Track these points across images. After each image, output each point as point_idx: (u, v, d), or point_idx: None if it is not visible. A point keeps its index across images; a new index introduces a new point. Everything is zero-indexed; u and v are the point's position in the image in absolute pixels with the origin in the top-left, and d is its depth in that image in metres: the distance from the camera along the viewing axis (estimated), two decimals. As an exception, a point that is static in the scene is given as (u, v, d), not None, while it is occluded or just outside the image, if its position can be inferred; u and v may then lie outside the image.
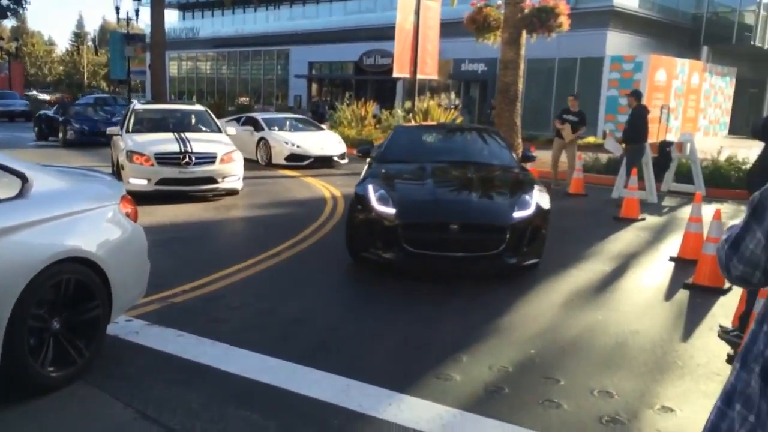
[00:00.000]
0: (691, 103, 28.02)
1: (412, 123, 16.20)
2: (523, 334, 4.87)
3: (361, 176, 7.25)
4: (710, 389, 3.99)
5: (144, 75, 36.07)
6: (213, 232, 8.63)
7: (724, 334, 4.86)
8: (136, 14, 33.00)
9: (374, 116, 19.66)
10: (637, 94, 11.43)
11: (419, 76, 17.70)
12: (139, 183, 10.14)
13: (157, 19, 24.84)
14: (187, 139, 10.77)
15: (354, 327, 5.03)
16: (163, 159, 10.30)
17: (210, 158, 10.50)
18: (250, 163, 14.92)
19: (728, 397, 1.53)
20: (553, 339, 4.81)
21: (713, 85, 30.17)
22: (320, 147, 15.56)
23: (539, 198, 6.54)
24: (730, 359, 4.43)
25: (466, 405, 3.70)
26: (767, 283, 1.49)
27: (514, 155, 8.26)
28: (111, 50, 33.76)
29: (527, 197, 6.44)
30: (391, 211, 6.17)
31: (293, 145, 15.36)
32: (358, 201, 6.51)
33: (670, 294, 6.08)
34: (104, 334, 4.11)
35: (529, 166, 8.66)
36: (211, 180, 10.49)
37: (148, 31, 28.92)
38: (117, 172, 10.72)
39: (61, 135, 19.82)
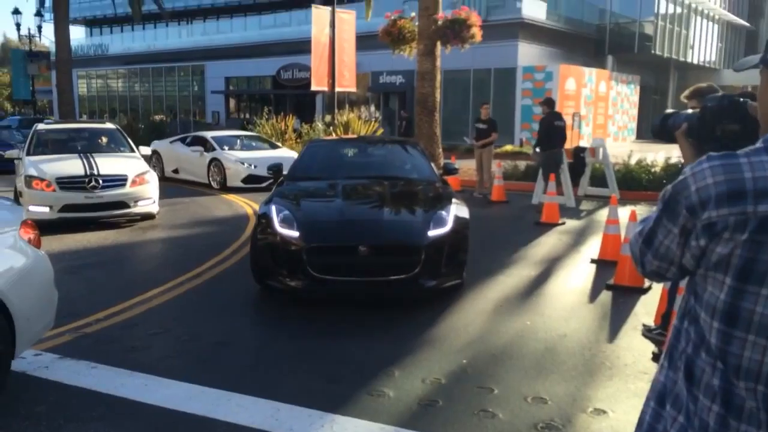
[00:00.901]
0: (600, 110, 29.21)
1: (332, 136, 16.02)
2: (453, 344, 4.83)
3: (268, 196, 6.65)
4: (639, 388, 4.05)
5: (50, 94, 34.48)
6: (128, 255, 8.23)
7: (647, 332, 4.98)
8: (39, 30, 31.66)
9: (294, 130, 19.45)
10: (549, 102, 11.64)
11: (338, 89, 17.63)
12: (39, 211, 9.12)
13: (61, 35, 23.77)
14: (94, 160, 9.92)
15: (280, 348, 4.85)
16: (65, 183, 9.43)
17: (120, 181, 9.71)
18: (201, 187, 14.40)
19: (660, 397, 1.50)
20: (484, 347, 4.79)
21: (619, 93, 31.56)
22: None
23: (458, 214, 6.10)
24: (655, 357, 4.52)
25: (401, 421, 3.60)
26: (682, 277, 1.47)
27: (435, 168, 7.85)
28: (13, 69, 32.11)
29: (444, 213, 5.96)
30: (294, 233, 5.65)
31: (250, 165, 14.01)
32: (261, 223, 5.99)
33: (593, 295, 6.20)
34: (8, 372, 3.78)
35: (451, 177, 8.66)
36: (123, 204, 9.71)
37: (53, 48, 27.68)
38: (16, 200, 9.62)
39: None
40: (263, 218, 5.99)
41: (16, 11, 29.39)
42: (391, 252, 5.68)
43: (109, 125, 12.35)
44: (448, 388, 4.04)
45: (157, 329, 5.18)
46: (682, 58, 36.37)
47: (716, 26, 40.95)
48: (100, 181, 9.53)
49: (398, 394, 3.95)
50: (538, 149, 11.71)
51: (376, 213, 6.16)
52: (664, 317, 4.92)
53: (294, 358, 4.58)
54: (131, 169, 9.99)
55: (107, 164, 9.97)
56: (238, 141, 15.73)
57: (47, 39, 35.82)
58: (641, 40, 32.80)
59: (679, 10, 35.21)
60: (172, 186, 14.49)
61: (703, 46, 39.09)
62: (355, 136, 15.75)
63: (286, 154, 15.03)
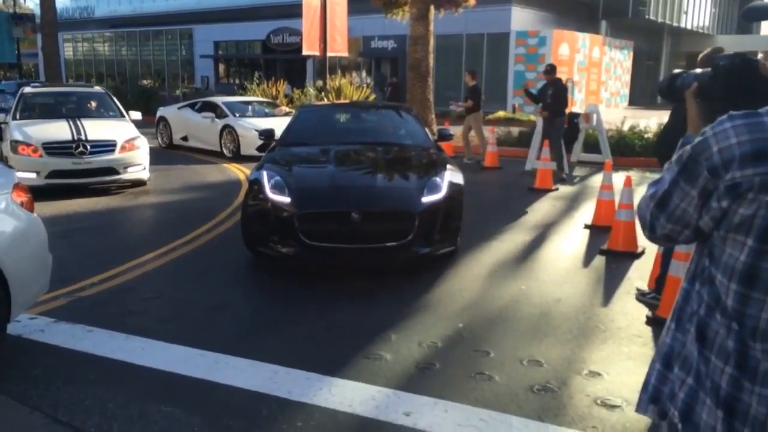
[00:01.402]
0: (593, 76, 29.07)
1: (324, 101, 15.84)
2: (449, 309, 4.85)
3: (259, 162, 6.53)
4: (633, 351, 4.09)
5: (36, 58, 33.86)
6: (120, 220, 8.18)
7: (641, 296, 5.02)
8: (24, -8, 30.90)
9: (285, 96, 19.25)
10: (552, 68, 11.40)
11: (329, 54, 17.41)
12: (26, 177, 8.56)
13: (46, -3, 23.30)
14: (82, 125, 9.62)
15: (276, 312, 4.86)
16: (52, 149, 9.18)
17: (108, 146, 9.42)
18: (212, 155, 13.87)
19: (667, 359, 1.49)
20: (480, 312, 4.81)
21: (613, 59, 31.39)
22: None
23: (452, 180, 5.99)
24: (649, 321, 4.56)
25: (399, 384, 3.63)
26: (694, 240, 1.45)
27: (429, 134, 7.77)
28: (-3, 32, 31.47)
29: (438, 180, 5.85)
30: (285, 199, 5.54)
31: None
32: (252, 189, 5.89)
33: (587, 261, 6.22)
34: (4, 335, 3.77)
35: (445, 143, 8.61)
36: (112, 171, 9.43)
37: (37, 10, 27.12)
38: None
39: None
40: (254, 184, 5.89)
41: (0, -28, 28.74)
42: (385, 218, 5.60)
43: (98, 89, 11.98)
44: (445, 352, 4.07)
45: (152, 294, 5.17)
46: (675, 24, 36.17)
47: (710, -9, 40.63)
48: (88, 147, 9.26)
49: (395, 357, 3.97)
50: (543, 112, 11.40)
51: (368, 179, 6.01)
52: (657, 281, 4.95)
53: (289, 323, 4.59)
54: (120, 135, 9.70)
55: (96, 129, 9.68)
56: (250, 107, 15.04)
57: (32, 1, 35.09)
58: (635, 4, 32.50)
59: (673, -26, 34.87)
60: (180, 155, 14.20)
61: (696, 11, 38.85)
62: (347, 101, 15.56)
63: None
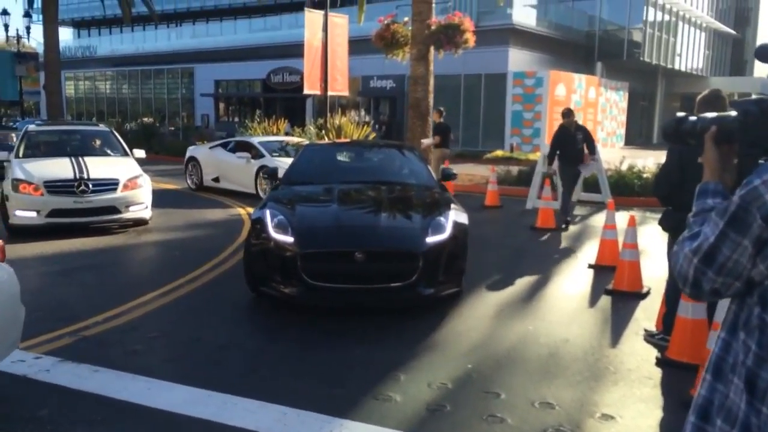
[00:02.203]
0: (590, 116, 29.37)
1: (325, 140, 15.91)
2: (457, 349, 4.81)
3: (262, 201, 6.56)
4: (645, 393, 4.06)
5: (38, 96, 34.14)
6: (124, 258, 8.16)
7: (650, 337, 5.00)
8: (27, 32, 31.33)
9: (286, 134, 19.39)
10: (565, 114, 10.34)
11: (330, 93, 17.60)
12: (26, 216, 8.89)
13: (50, 36, 23.58)
14: (84, 163, 9.49)
15: (283, 350, 4.82)
16: (54, 187, 9.02)
17: (111, 185, 9.29)
18: (246, 198, 13.01)
19: (704, 412, 1.47)
20: (488, 352, 4.78)
21: (608, 99, 31.79)
22: None
23: (457, 220, 5.95)
24: (659, 362, 4.53)
25: (410, 426, 3.58)
26: (744, 292, 1.43)
27: (433, 173, 7.75)
28: (0, 70, 31.80)
29: (442, 219, 5.81)
30: (288, 239, 5.49)
31: None
32: (255, 229, 5.85)
33: (593, 301, 6.21)
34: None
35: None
36: (113, 209, 9.27)
37: (40, 49, 27.46)
38: (1, 205, 9.34)
39: None
40: (257, 223, 5.84)
41: (5, 12, 29.17)
42: (388, 258, 5.56)
43: (102, 127, 11.93)
44: (455, 393, 4.03)
45: (157, 332, 5.13)
46: (669, 65, 36.76)
47: (703, 34, 41.41)
48: (90, 185, 9.13)
49: (405, 398, 3.93)
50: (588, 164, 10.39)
51: (372, 218, 5.92)
52: (664, 321, 4.94)
53: (297, 363, 4.55)
54: (123, 173, 9.59)
55: (98, 167, 9.56)
56: (285, 147, 14.39)
57: (35, 40, 35.55)
58: (630, 47, 33.10)
59: (666, 17, 35.58)
60: (210, 196, 13.57)
61: (690, 54, 39.51)
62: (349, 140, 15.59)
63: None
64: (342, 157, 8.30)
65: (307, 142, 15.62)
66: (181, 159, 22.33)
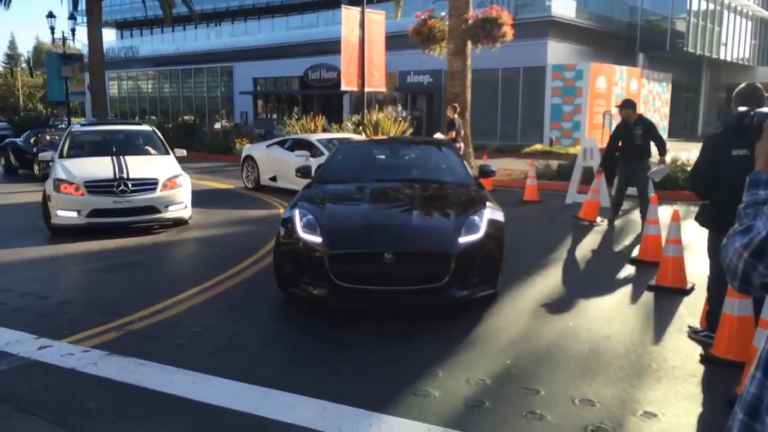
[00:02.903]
0: (631, 109, 28.79)
1: (362, 136, 15.89)
2: (496, 345, 4.80)
3: (293, 199, 6.42)
4: (689, 391, 3.99)
5: (83, 96, 34.99)
6: (167, 254, 8.33)
7: (694, 334, 4.91)
8: (72, 34, 32.07)
9: (324, 130, 19.52)
10: (625, 104, 9.23)
11: (367, 89, 17.66)
12: (67, 216, 8.92)
13: (94, 38, 24.18)
14: (125, 163, 9.50)
15: (321, 346, 4.86)
16: (94, 187, 9.00)
17: (150, 184, 9.25)
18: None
19: (753, 410, 1.44)
20: (527, 348, 4.75)
21: (651, 91, 31.14)
22: None
23: (492, 219, 5.74)
24: (703, 360, 4.45)
25: (449, 421, 3.59)
26: None
27: (470, 169, 7.50)
28: (47, 71, 32.62)
29: (476, 218, 5.62)
30: (317, 239, 5.37)
31: None
32: (285, 228, 5.73)
33: (635, 297, 6.12)
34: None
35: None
36: (153, 209, 9.23)
37: (85, 50, 28.14)
38: (45, 205, 9.26)
39: (36, 168, 16.73)
40: (287, 223, 5.75)
41: (51, 15, 29.94)
42: (419, 260, 5.38)
43: (145, 127, 11.87)
44: (494, 389, 4.02)
45: (201, 327, 5.23)
46: (714, 56, 35.82)
47: (749, 23, 40.22)
48: (130, 185, 9.10)
49: (443, 394, 3.94)
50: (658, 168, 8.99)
51: (404, 218, 5.76)
52: (708, 319, 4.85)
53: (335, 358, 4.58)
54: (163, 173, 9.55)
55: (138, 167, 9.53)
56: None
57: (80, 42, 36.43)
58: (673, 37, 32.35)
59: (711, 6, 34.66)
60: (264, 197, 13.14)
61: (735, 43, 38.43)
62: (385, 137, 15.45)
63: None
64: (376, 155, 8.13)
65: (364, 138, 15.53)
66: (221, 157, 22.80)
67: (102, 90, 24.88)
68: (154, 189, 9.28)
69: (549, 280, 6.65)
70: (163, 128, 24.92)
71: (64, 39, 31.66)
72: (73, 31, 31.43)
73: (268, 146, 14.66)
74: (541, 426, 3.53)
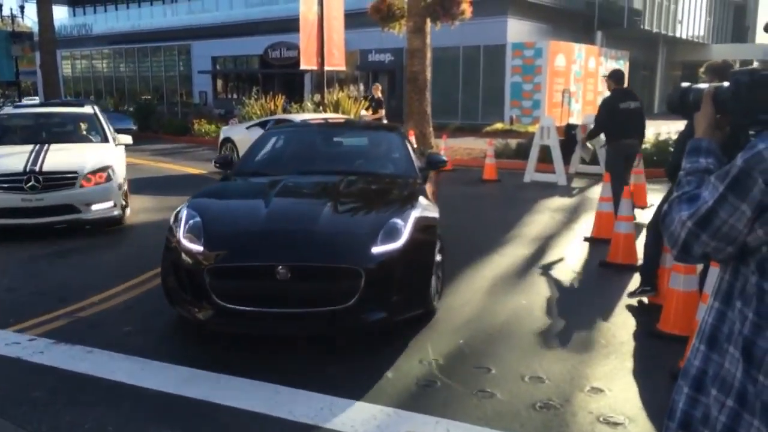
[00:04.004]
0: (590, 87, 29.17)
1: (299, 117, 15.21)
2: (449, 324, 4.83)
3: (192, 196, 5.50)
4: (635, 367, 4.08)
5: (35, 76, 34.01)
6: (118, 238, 8.15)
7: (631, 295, 5.26)
8: (21, 11, 31.21)
9: (284, 110, 19.29)
10: (614, 75, 8.24)
11: (327, 68, 17.48)
12: None
13: (45, 15, 23.45)
14: (45, 153, 8.15)
15: (278, 329, 4.83)
16: (1, 183, 7.65)
17: (67, 179, 7.81)
18: None
19: (697, 383, 1.47)
20: (480, 327, 4.80)
21: (609, 69, 31.46)
22: None
23: (420, 220, 4.78)
24: (650, 335, 4.55)
25: (400, 402, 3.61)
26: (735, 257, 1.42)
27: (416, 161, 6.38)
28: (-5, 50, 31.61)
29: (398, 222, 4.61)
30: (197, 247, 4.46)
31: None
32: (169, 231, 4.85)
33: (587, 274, 6.22)
34: None
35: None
36: (70, 209, 7.81)
37: (36, 28, 27.27)
38: None
39: None
40: (171, 225, 4.89)
41: (-2, -9, 28.95)
42: (322, 275, 4.39)
43: (86, 109, 10.26)
44: (446, 369, 4.05)
45: (151, 313, 5.15)
46: (670, 33, 36.38)
47: (704, 1, 40.87)
48: (41, 180, 7.66)
49: (396, 375, 3.96)
50: (588, 144, 9.15)
51: (308, 223, 4.67)
52: (642, 272, 5.26)
53: (287, 341, 4.56)
54: (87, 164, 8.06)
55: (58, 158, 8.09)
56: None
57: (30, 19, 35.22)
58: (630, 15, 32.72)
59: (668, -16, 35.11)
60: None
61: (691, 21, 39.07)
62: (322, 120, 14.70)
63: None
64: (309, 142, 7.01)
65: (349, 117, 15.14)
66: (180, 138, 22.42)
67: (54, 70, 24.20)
68: (73, 184, 7.85)
69: (504, 259, 6.71)
70: (119, 109, 24.39)
71: (13, 17, 30.64)
72: (22, 8, 30.64)
73: (248, 128, 13.78)
74: (491, 404, 3.57)
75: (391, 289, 4.43)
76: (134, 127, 21.86)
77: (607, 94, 8.34)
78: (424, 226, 4.82)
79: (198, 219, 4.71)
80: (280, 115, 14.60)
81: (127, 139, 9.84)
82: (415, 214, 4.79)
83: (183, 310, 4.55)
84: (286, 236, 4.56)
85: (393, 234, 4.53)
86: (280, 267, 4.20)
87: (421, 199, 5.16)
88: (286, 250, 4.39)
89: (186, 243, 4.55)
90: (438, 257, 4.96)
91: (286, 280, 4.21)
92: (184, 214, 4.84)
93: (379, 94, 14.93)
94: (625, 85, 8.40)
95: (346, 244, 4.48)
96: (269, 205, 4.90)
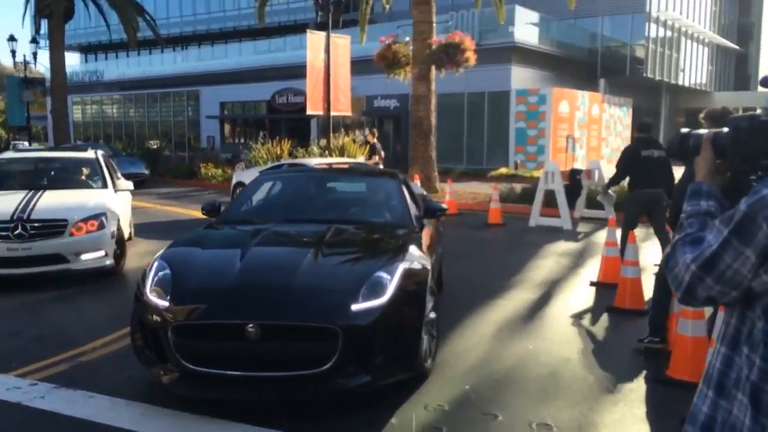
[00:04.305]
0: (594, 133, 29.39)
1: (373, 161, 15.20)
2: (455, 370, 4.77)
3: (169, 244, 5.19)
4: (644, 413, 4.01)
5: (45, 120, 34.52)
6: (120, 283, 8.11)
7: (639, 342, 5.16)
8: (35, 57, 31.61)
9: (290, 155, 19.46)
10: (640, 126, 8.35)
11: (333, 113, 17.70)
12: None
13: (57, 62, 23.94)
14: (38, 199, 7.80)
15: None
16: None
17: (56, 227, 7.46)
18: None
19: (707, 429, 1.44)
20: (487, 372, 4.73)
21: (612, 115, 31.79)
22: None
23: (409, 273, 4.38)
24: (657, 381, 4.48)
25: (405, 450, 3.53)
26: (740, 301, 1.41)
27: (414, 208, 5.90)
28: (8, 95, 32.17)
29: (383, 276, 4.21)
30: (163, 303, 4.13)
31: None
32: (138, 285, 4.55)
33: (594, 319, 6.16)
34: None
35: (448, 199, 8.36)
36: (58, 258, 7.44)
37: (48, 74, 27.79)
38: None
39: None
40: (142, 278, 4.57)
41: (12, 38, 29.50)
42: (293, 335, 4.01)
43: (87, 154, 9.85)
44: (452, 415, 3.98)
45: (155, 357, 5.09)
46: (673, 81, 36.78)
47: (706, 49, 41.45)
48: (28, 228, 7.31)
49: (401, 421, 3.89)
50: (611, 190, 8.96)
51: (285, 276, 4.27)
52: (651, 323, 5.14)
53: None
54: (79, 212, 7.69)
55: (48, 205, 7.73)
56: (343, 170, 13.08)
57: (42, 65, 35.90)
58: (632, 63, 33.18)
59: (669, 33, 35.67)
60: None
61: (693, 69, 39.54)
62: (320, 166, 13.99)
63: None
64: (300, 189, 6.63)
65: (361, 162, 15.00)
66: (187, 182, 22.57)
67: (64, 114, 24.59)
68: (62, 233, 7.47)
69: (511, 303, 6.66)
70: (128, 153, 24.63)
71: (26, 63, 31.19)
72: (35, 54, 30.99)
73: (261, 172, 13.74)
74: (498, 452, 3.50)
75: (375, 350, 4.03)
76: (146, 172, 21.97)
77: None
78: (412, 279, 4.43)
79: (168, 272, 4.39)
80: (295, 159, 14.18)
81: (128, 185, 9.54)
82: (404, 266, 4.40)
83: (149, 370, 4.22)
84: (258, 291, 4.16)
85: (377, 289, 4.13)
86: (250, 325, 3.85)
87: (413, 250, 4.78)
88: (257, 306, 4.02)
89: (152, 298, 4.22)
90: (432, 315, 4.55)
91: (257, 340, 3.86)
92: (154, 265, 4.53)
93: (374, 140, 14.93)
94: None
95: (323, 301, 4.08)
96: (245, 257, 4.51)
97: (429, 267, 4.76)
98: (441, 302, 5.93)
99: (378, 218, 5.79)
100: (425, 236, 5.43)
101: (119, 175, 10.04)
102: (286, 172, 8.22)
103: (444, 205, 6.36)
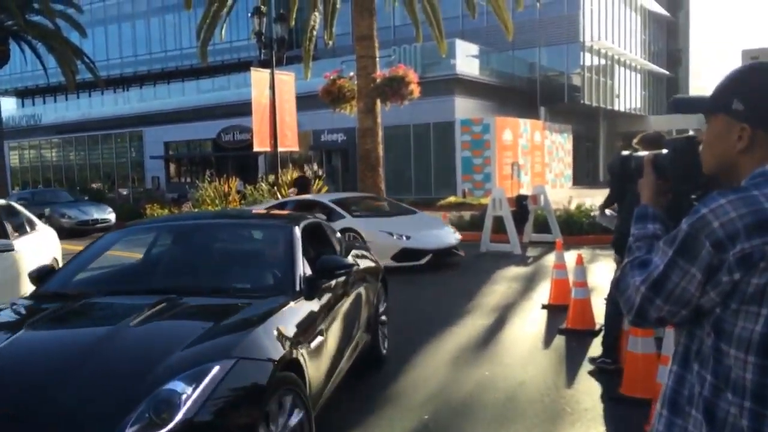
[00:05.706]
0: (537, 159, 30.14)
1: (277, 197, 15.50)
2: (413, 400, 4.75)
3: None
4: (601, 432, 4.05)
5: (-20, 167, 33.39)
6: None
7: (591, 362, 5.29)
8: (-31, 103, 30.75)
9: (238, 192, 19.27)
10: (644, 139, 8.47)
11: (280, 149, 17.65)
12: None
13: (-8, 107, 23.27)
14: None
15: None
16: None
17: None
18: None
19: None
20: (445, 401, 4.72)
21: (554, 142, 32.70)
22: (435, 235, 10.98)
23: (237, 377, 2.84)
24: (612, 399, 4.55)
25: (366, 484, 3.49)
26: (690, 320, 1.44)
27: (302, 267, 4.14)
28: (-60, 142, 31.06)
29: (178, 387, 2.68)
30: None
31: (401, 236, 10.40)
32: None
33: (547, 341, 6.23)
34: None
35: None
36: None
37: (-18, 120, 26.98)
38: None
39: None
40: None
41: (-56, 84, 28.68)
42: None
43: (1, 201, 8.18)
44: (412, 446, 3.95)
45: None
46: (609, 107, 38.09)
47: (639, 75, 43.14)
48: None
49: (361, 455, 3.84)
50: (608, 211, 9.21)
51: (39, 384, 2.82)
52: (604, 344, 5.23)
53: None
54: None
55: None
56: (362, 203, 12.40)
57: (-24, 111, 34.87)
58: (570, 91, 34.28)
59: (603, 61, 37.03)
60: None
61: (628, 95, 41.06)
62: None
63: (434, 221, 12.44)
64: (159, 247, 5.27)
65: (373, 195, 14.43)
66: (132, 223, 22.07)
67: (0, 161, 23.84)
68: None
69: (465, 330, 6.69)
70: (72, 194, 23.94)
71: (-41, 109, 30.26)
72: (-31, 100, 30.09)
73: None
74: (460, 480, 3.48)
75: None
76: (111, 217, 21.19)
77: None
78: (245, 385, 2.91)
79: None
80: (302, 198, 12.26)
81: (48, 232, 8.45)
82: (223, 368, 2.80)
83: None
84: (13, 400, 2.75)
85: (164, 407, 2.61)
86: None
87: (260, 338, 3.17)
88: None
89: None
90: None
91: None
92: None
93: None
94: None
95: (70, 427, 2.63)
96: (22, 348, 3.18)
97: (279, 345, 3.20)
98: (394, 333, 5.94)
99: (244, 284, 4.32)
100: (311, 308, 3.88)
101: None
102: (150, 225, 6.29)
103: (348, 261, 4.66)
